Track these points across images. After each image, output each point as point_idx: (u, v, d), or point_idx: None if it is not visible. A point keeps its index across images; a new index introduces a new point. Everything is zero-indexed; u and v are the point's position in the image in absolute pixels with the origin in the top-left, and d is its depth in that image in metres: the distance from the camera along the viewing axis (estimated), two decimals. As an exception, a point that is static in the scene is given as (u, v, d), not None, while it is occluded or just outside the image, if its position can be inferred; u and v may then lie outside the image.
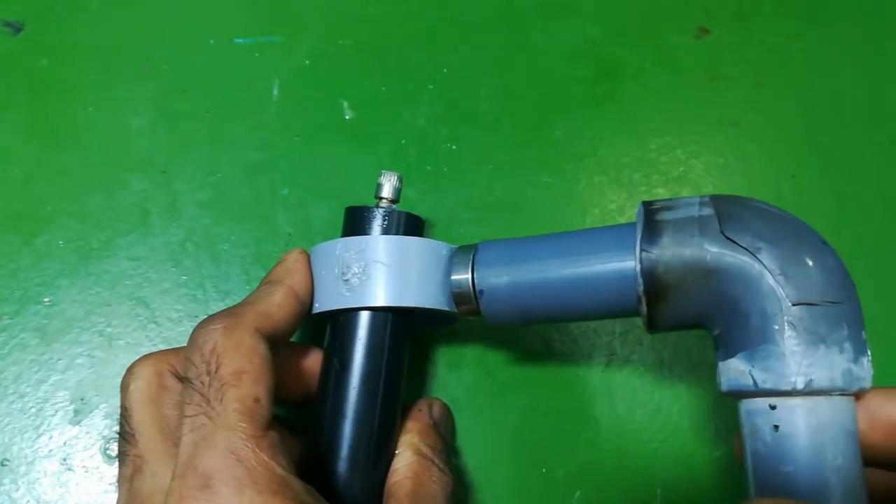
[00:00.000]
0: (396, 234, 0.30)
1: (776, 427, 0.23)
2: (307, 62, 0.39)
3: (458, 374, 0.36)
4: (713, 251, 0.24)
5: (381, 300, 0.28)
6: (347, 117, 0.39)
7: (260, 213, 0.37)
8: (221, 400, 0.23)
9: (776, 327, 0.23)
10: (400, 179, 0.31)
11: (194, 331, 0.25)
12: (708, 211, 0.25)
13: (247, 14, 0.40)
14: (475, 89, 0.40)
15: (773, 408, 0.23)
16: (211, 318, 0.25)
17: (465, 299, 0.30)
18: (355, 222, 0.30)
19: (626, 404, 0.36)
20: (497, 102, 0.40)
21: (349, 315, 0.29)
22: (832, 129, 0.41)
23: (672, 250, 0.24)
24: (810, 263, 0.24)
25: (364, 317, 0.29)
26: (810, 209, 0.40)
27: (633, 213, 0.39)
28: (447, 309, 0.30)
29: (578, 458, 0.35)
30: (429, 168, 0.38)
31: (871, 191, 0.40)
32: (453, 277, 0.30)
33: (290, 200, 0.37)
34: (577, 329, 0.37)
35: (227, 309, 0.26)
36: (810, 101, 0.42)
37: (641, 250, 0.25)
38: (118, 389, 0.34)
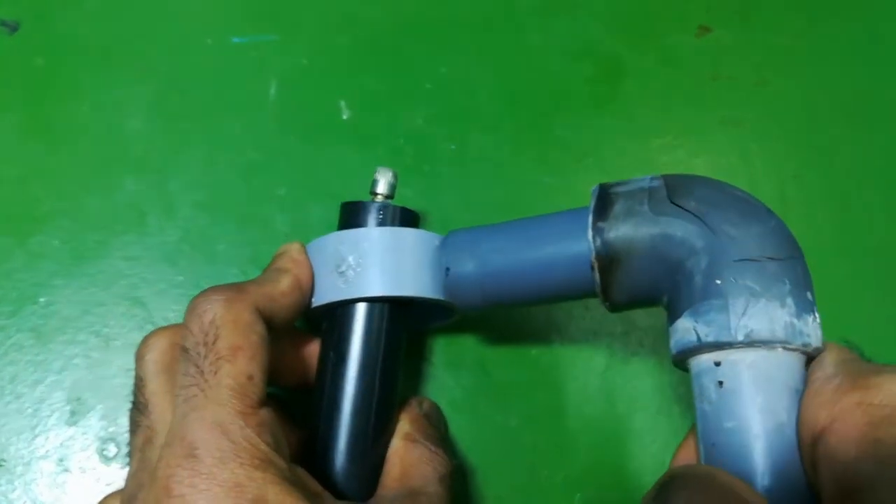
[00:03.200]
0: (392, 227, 0.30)
1: (720, 383, 0.23)
2: (304, 61, 0.39)
3: (457, 376, 0.36)
4: (660, 217, 0.25)
5: (376, 290, 0.28)
6: (345, 117, 0.39)
7: (256, 214, 0.37)
8: (216, 373, 0.23)
9: (718, 282, 0.24)
10: (395, 175, 0.31)
11: (195, 299, 0.25)
12: (657, 183, 0.26)
13: (244, 13, 0.40)
14: (474, 89, 0.40)
15: (717, 364, 0.24)
16: (213, 289, 0.25)
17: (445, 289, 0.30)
18: (351, 217, 0.30)
19: (626, 406, 0.36)
20: (496, 102, 0.40)
21: (345, 307, 0.29)
22: (835, 128, 0.41)
23: (622, 219, 0.25)
24: (753, 224, 0.24)
25: (360, 308, 0.29)
26: (813, 209, 0.40)
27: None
28: (442, 298, 0.30)
29: (579, 460, 0.35)
30: (427, 168, 0.38)
31: (875, 190, 0.40)
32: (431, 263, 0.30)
33: (287, 200, 0.37)
34: (576, 330, 0.37)
35: (231, 283, 0.26)
36: (813, 100, 0.41)
37: (594, 222, 0.26)
38: (115, 390, 0.34)
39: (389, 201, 0.30)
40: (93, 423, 0.34)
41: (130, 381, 0.34)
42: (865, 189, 0.40)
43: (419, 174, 0.38)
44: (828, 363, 0.23)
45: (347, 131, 0.38)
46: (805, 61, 0.42)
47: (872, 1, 0.43)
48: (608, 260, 0.26)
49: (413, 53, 0.40)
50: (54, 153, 0.37)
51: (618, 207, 0.26)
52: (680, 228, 0.25)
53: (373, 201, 0.30)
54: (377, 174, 0.31)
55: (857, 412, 0.20)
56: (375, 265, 0.28)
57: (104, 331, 0.35)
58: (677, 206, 0.25)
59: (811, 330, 0.24)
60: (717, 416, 0.23)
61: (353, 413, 0.28)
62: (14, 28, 0.38)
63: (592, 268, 0.26)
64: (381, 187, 0.31)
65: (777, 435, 0.22)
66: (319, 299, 0.29)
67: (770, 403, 0.23)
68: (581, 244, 0.26)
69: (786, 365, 0.23)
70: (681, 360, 0.26)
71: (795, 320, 0.24)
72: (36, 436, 0.33)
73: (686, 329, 0.24)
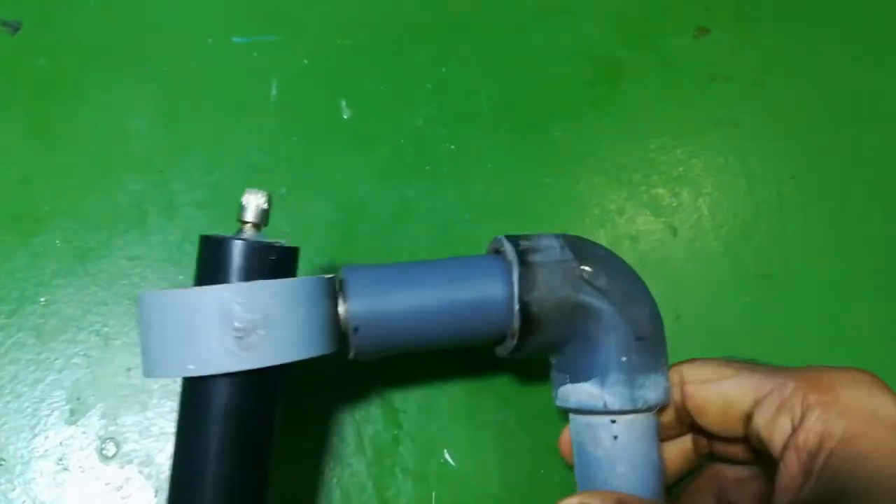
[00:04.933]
0: (270, 270, 0.25)
1: (615, 437, 0.28)
2: (306, 62, 0.39)
3: (455, 377, 0.36)
4: (579, 295, 0.28)
5: (287, 355, 0.24)
6: (346, 117, 0.39)
7: (258, 213, 0.37)
8: None
9: (623, 359, 0.28)
10: (268, 199, 0.25)
11: None
12: (568, 255, 0.28)
13: (245, 13, 0.40)
14: (474, 89, 0.40)
15: (613, 422, 0.28)
16: None
17: (340, 336, 0.27)
18: (218, 259, 0.25)
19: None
20: (496, 103, 0.40)
21: (233, 376, 0.24)
22: (832, 129, 0.41)
23: (545, 293, 0.28)
24: (644, 305, 0.28)
25: (253, 377, 0.24)
26: (810, 209, 0.40)
27: (633, 213, 0.39)
28: (333, 350, 0.27)
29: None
30: (428, 168, 0.38)
31: (871, 190, 0.40)
32: (334, 312, 0.27)
33: (289, 200, 0.37)
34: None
35: None
36: (810, 102, 0.41)
37: (520, 296, 0.27)
38: (115, 389, 0.34)
39: (260, 231, 0.25)
40: (92, 422, 0.34)
41: (130, 381, 0.34)
42: (862, 189, 0.40)
43: (420, 174, 0.38)
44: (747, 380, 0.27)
45: (348, 131, 0.38)
46: (802, 63, 0.42)
47: (869, 3, 0.44)
48: (529, 326, 0.28)
49: (414, 54, 0.40)
50: (56, 153, 0.37)
51: (540, 281, 0.28)
52: (593, 306, 0.28)
53: (242, 235, 0.25)
54: (245, 197, 0.25)
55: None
56: (285, 327, 0.24)
57: (105, 330, 0.35)
58: (592, 285, 0.28)
59: (668, 386, 0.29)
60: (610, 461, 0.28)
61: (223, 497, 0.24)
62: (16, 28, 0.38)
63: (512, 335, 0.28)
64: (251, 214, 0.25)
65: (654, 471, 0.28)
66: (207, 367, 0.24)
67: (650, 449, 0.28)
68: (502, 311, 0.28)
69: (654, 419, 0.29)
70: (574, 411, 0.29)
71: (667, 384, 0.28)
72: (35, 435, 0.33)
73: (592, 394, 0.28)
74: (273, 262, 0.24)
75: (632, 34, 0.42)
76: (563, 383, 0.29)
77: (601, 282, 0.28)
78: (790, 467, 0.24)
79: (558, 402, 0.30)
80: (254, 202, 0.25)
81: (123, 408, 0.34)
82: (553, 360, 0.30)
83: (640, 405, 0.28)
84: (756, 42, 0.42)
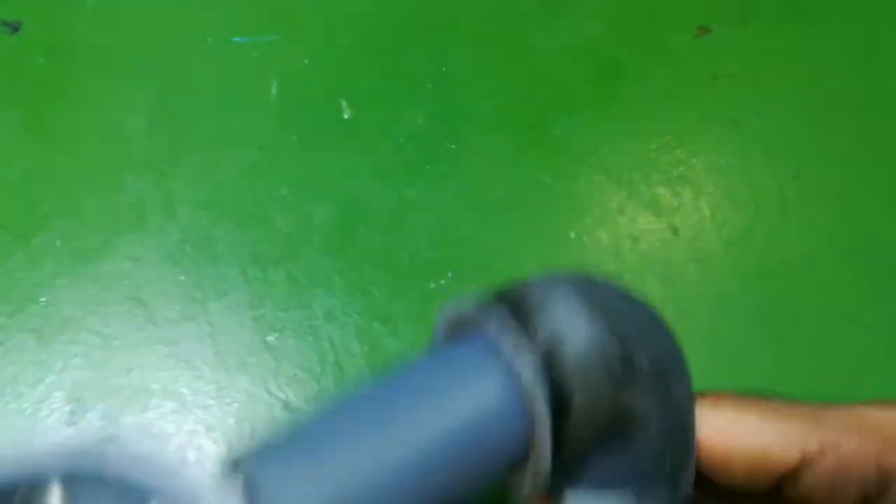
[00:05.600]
0: None
1: None
2: (306, 61, 0.39)
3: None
4: (618, 396, 0.19)
5: None
6: (346, 116, 0.39)
7: (258, 213, 0.37)
8: None
9: (667, 460, 0.20)
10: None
11: None
12: (602, 333, 0.18)
13: (245, 13, 0.40)
14: (475, 89, 0.40)
15: None
16: None
17: None
18: None
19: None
20: (497, 102, 0.40)
21: None
22: (834, 127, 0.41)
23: (583, 403, 0.17)
24: (680, 376, 0.21)
25: None
26: (812, 209, 0.40)
27: (634, 212, 0.39)
28: None
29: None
30: (428, 168, 0.38)
31: (874, 190, 0.40)
32: None
33: (289, 200, 0.37)
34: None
35: None
36: (812, 101, 0.41)
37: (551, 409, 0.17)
38: (115, 390, 0.34)
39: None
40: (93, 423, 0.34)
41: (130, 382, 0.34)
42: (865, 189, 0.40)
43: (420, 174, 0.38)
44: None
45: (348, 131, 0.38)
46: (804, 62, 0.42)
47: (871, 1, 0.43)
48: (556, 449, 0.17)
49: (414, 53, 0.40)
50: (56, 153, 0.37)
51: (576, 394, 0.17)
52: (637, 408, 0.18)
53: None
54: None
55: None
56: None
57: (105, 331, 0.35)
58: (634, 380, 0.18)
59: None
60: None
61: None
62: (16, 28, 0.38)
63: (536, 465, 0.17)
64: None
65: None
66: None
67: None
68: (518, 431, 0.17)
69: None
70: None
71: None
72: (36, 435, 0.33)
73: None
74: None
75: (633, 33, 0.41)
76: (575, 488, 0.19)
77: (643, 366, 0.18)
78: None
79: None
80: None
81: (124, 408, 0.34)
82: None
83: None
84: (758, 41, 0.42)
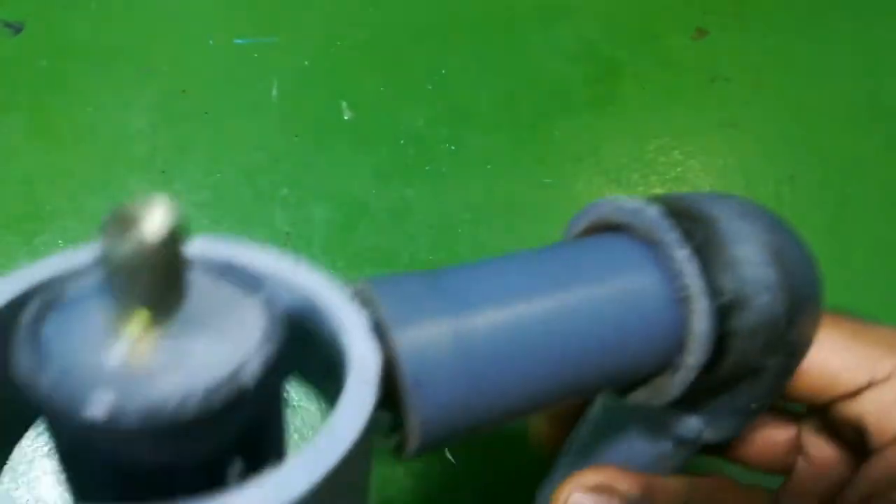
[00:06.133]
0: None
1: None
2: (306, 63, 0.39)
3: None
4: (766, 360, 0.19)
5: None
6: (346, 118, 0.39)
7: (259, 214, 0.37)
8: None
9: (753, 406, 0.20)
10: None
11: None
12: (780, 310, 0.18)
13: (246, 15, 0.40)
14: (474, 90, 0.40)
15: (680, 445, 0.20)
16: None
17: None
18: None
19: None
20: (496, 103, 0.40)
21: None
22: (831, 129, 0.41)
23: (738, 357, 0.17)
24: (805, 346, 0.21)
25: None
26: (809, 209, 0.40)
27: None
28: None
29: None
30: (428, 168, 0.38)
31: (870, 191, 0.40)
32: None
33: (290, 200, 0.37)
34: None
35: None
36: (809, 102, 0.42)
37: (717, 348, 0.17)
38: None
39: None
40: (96, 421, 0.34)
41: (133, 380, 0.34)
42: (861, 190, 0.40)
43: (420, 174, 0.38)
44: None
45: (349, 132, 0.39)
46: (801, 64, 0.42)
47: (868, 3, 0.44)
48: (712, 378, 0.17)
49: (414, 55, 0.40)
50: (58, 153, 0.37)
51: (735, 352, 0.17)
52: (768, 369, 0.18)
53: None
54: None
55: None
56: None
57: (107, 329, 0.35)
58: (785, 349, 0.18)
59: None
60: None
61: None
62: (18, 30, 0.38)
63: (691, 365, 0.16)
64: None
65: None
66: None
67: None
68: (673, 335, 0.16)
69: None
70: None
71: None
72: (39, 434, 0.34)
73: (688, 423, 0.19)
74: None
75: (631, 35, 0.42)
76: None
77: (794, 339, 0.18)
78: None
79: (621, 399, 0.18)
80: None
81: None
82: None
83: (729, 436, 0.20)
84: (755, 43, 0.42)
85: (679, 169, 0.40)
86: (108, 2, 0.39)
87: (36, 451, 0.33)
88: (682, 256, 0.15)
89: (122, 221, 0.10)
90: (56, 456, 0.13)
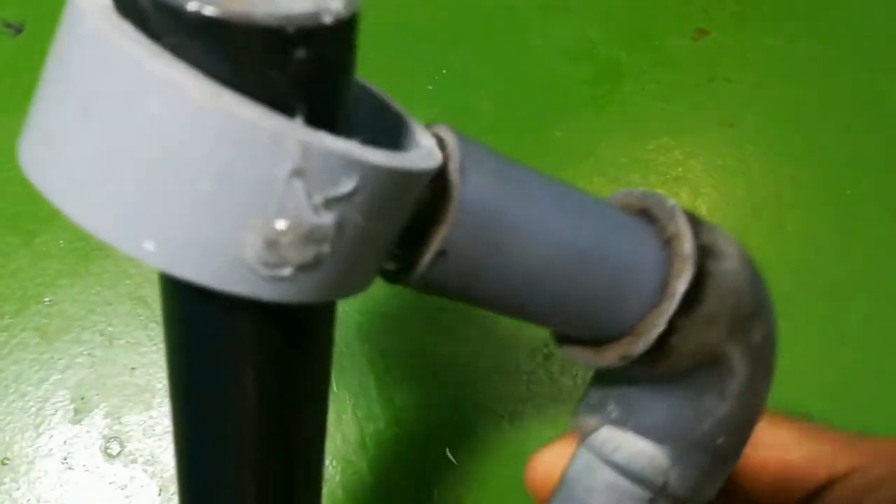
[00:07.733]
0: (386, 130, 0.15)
1: None
2: (307, 63, 0.39)
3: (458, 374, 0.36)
4: (728, 342, 0.20)
5: (359, 284, 0.14)
6: (347, 118, 0.39)
7: (260, 214, 0.37)
8: None
9: (719, 441, 0.20)
10: None
11: None
12: (745, 281, 0.20)
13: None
14: (474, 90, 0.40)
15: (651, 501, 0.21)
16: None
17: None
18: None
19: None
20: (496, 103, 0.40)
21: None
22: (831, 129, 0.41)
23: (704, 322, 0.18)
24: (769, 380, 0.23)
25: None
26: (809, 210, 0.40)
27: (631, 213, 0.39)
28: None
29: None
30: (428, 168, 0.38)
31: (870, 191, 0.40)
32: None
33: (290, 201, 0.37)
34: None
35: None
36: (809, 102, 0.42)
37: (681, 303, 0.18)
38: (119, 388, 0.34)
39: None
40: (97, 422, 0.34)
41: (134, 380, 0.34)
42: (861, 190, 0.40)
43: (420, 175, 0.38)
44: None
45: (349, 132, 0.39)
46: (801, 64, 0.42)
47: (868, 3, 0.44)
48: (658, 350, 0.18)
49: (414, 55, 0.40)
50: (58, 154, 0.37)
51: (705, 308, 0.18)
52: (732, 367, 0.19)
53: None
54: None
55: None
56: (361, 238, 0.13)
57: (108, 330, 0.35)
58: (745, 339, 0.19)
59: None
60: None
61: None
62: (19, 30, 0.39)
63: (637, 338, 0.18)
64: None
65: None
66: (221, 283, 0.11)
67: None
68: (643, 303, 0.18)
69: None
70: (614, 467, 0.20)
71: None
72: (40, 434, 0.34)
73: (653, 462, 0.19)
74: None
75: (631, 35, 0.42)
76: (613, 421, 0.19)
77: (755, 338, 0.19)
78: None
79: (588, 444, 0.20)
80: None
81: (127, 407, 0.34)
82: (608, 383, 0.20)
83: (702, 499, 0.20)
84: (755, 43, 0.42)
85: (679, 169, 0.40)
86: (109, 2, 0.39)
87: (37, 450, 0.33)
88: (671, 204, 0.18)
89: None
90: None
